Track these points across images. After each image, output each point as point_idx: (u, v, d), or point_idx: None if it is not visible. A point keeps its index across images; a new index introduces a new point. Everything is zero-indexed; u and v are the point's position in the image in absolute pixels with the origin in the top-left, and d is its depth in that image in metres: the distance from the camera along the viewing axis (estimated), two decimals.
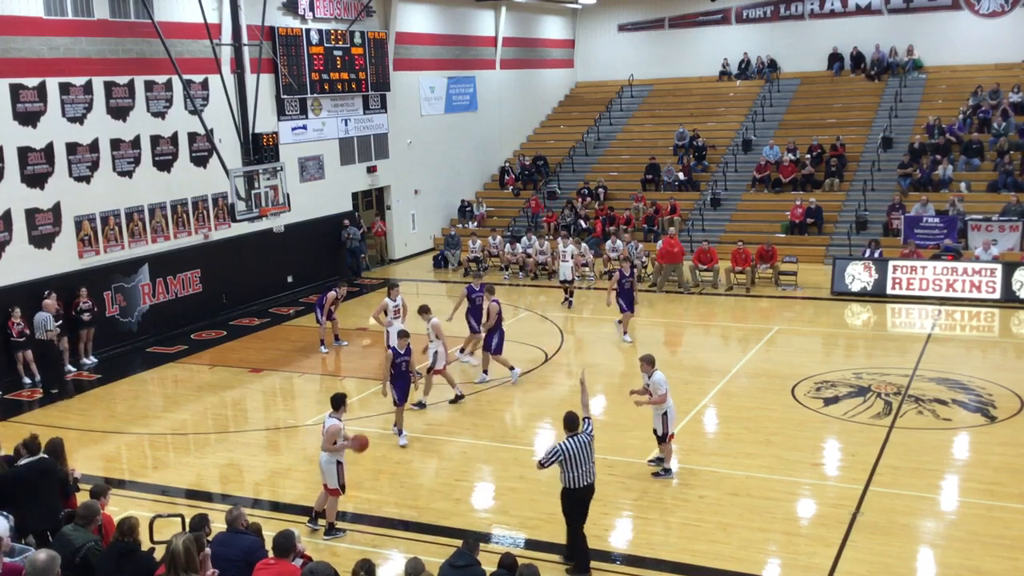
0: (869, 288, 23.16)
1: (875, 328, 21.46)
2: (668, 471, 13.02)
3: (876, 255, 23.72)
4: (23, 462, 9.61)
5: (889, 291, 22.99)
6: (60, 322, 18.83)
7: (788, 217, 28.03)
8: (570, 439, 10.26)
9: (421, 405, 16.03)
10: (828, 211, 28.10)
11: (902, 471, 12.96)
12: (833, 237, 27.38)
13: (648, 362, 12.95)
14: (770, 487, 12.58)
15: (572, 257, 23.60)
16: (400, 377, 14.61)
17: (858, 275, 23.31)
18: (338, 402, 11.51)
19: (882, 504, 11.95)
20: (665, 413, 12.80)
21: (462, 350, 18.50)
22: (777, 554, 10.97)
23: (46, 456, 9.69)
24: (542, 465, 10.46)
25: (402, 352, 14.59)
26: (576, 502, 10.39)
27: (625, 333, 20.19)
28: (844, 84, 34.42)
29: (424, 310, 16.31)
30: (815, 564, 10.58)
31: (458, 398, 16.38)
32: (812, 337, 20.61)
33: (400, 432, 14.71)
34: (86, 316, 19.20)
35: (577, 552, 10.50)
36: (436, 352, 16.08)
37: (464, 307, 18.58)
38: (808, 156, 30.10)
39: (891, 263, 23.22)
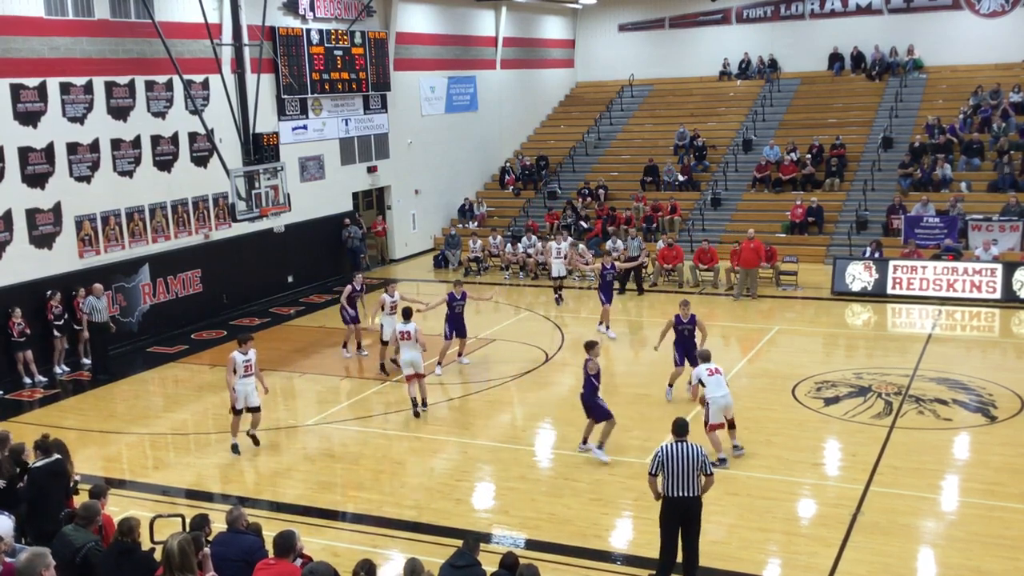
0: (870, 288, 23.15)
1: (876, 328, 21.45)
2: (722, 461, 13.02)
3: (876, 255, 23.71)
4: (38, 463, 9.62)
5: (890, 291, 22.98)
6: (62, 321, 18.87)
7: (788, 217, 28.03)
8: (672, 443, 9.87)
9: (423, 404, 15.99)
10: (828, 211, 28.09)
11: (903, 471, 12.96)
12: (834, 237, 27.38)
13: (700, 357, 13.94)
14: (771, 487, 12.58)
15: (564, 255, 23.52)
16: (455, 320, 17.94)
17: (858, 275, 23.30)
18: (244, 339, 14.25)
19: (883, 504, 11.95)
20: (707, 404, 13.33)
21: (439, 363, 18.11)
22: (777, 554, 10.96)
23: (60, 458, 9.71)
24: (652, 475, 9.96)
25: (458, 297, 17.83)
26: (668, 511, 9.88)
27: (607, 327, 20.15)
28: (844, 84, 34.41)
29: (407, 314, 15.84)
30: (815, 564, 10.58)
31: (416, 412, 15.78)
32: (813, 337, 20.60)
33: (439, 364, 17.75)
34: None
35: (685, 566, 9.96)
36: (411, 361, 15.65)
37: (442, 310, 18.46)
38: (808, 156, 30.09)
39: (891, 263, 23.21)
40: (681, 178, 31.49)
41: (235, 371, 14.13)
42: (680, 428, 10.07)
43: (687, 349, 15.86)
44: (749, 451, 13.71)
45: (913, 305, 22.44)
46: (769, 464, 13.30)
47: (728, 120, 34.49)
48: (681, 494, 9.76)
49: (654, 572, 10.18)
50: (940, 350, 18.87)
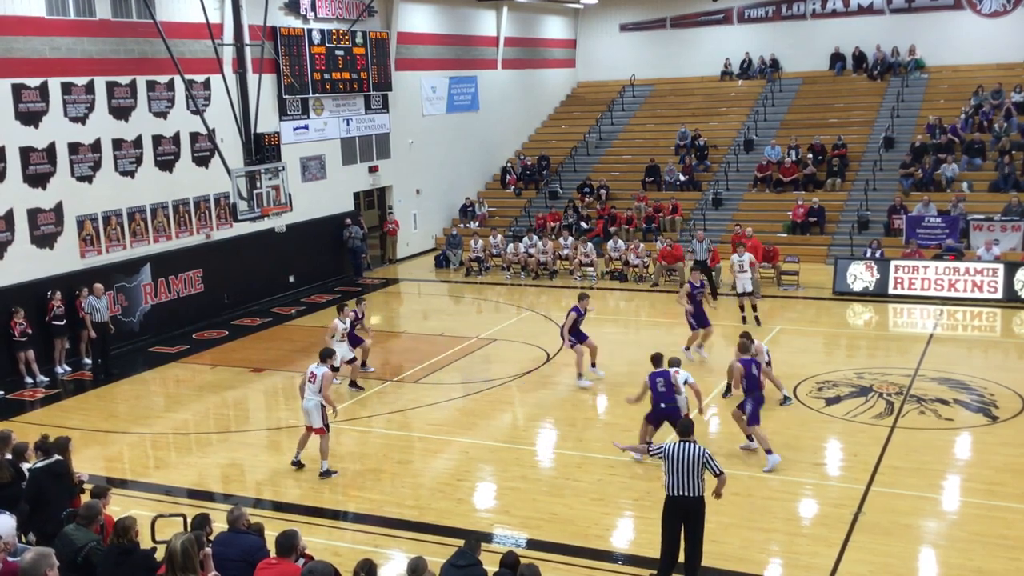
0: (871, 288, 23.15)
1: (877, 328, 21.45)
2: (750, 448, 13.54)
3: (878, 255, 23.71)
4: (38, 464, 9.63)
5: (891, 291, 22.97)
6: (63, 321, 18.88)
7: (790, 217, 28.02)
8: (677, 443, 9.91)
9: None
10: (830, 211, 28.09)
11: (904, 471, 12.96)
12: (835, 237, 27.37)
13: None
14: (772, 487, 12.57)
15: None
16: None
17: (860, 275, 23.29)
18: (326, 354, 13.65)
19: (884, 504, 11.95)
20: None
21: (353, 383, 17.24)
22: (779, 554, 10.97)
23: (60, 458, 9.71)
24: (651, 454, 10.52)
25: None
26: (669, 510, 9.90)
27: (699, 348, 18.39)
28: (846, 84, 34.40)
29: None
30: (817, 564, 10.58)
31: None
32: (814, 337, 20.60)
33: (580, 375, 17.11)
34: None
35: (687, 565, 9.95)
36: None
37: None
38: (810, 156, 30.09)
39: (893, 263, 23.20)
40: (682, 178, 31.48)
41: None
42: (685, 428, 10.10)
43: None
44: (751, 451, 13.71)
45: (914, 305, 22.44)
46: None
47: (729, 120, 34.48)
48: (681, 493, 9.76)
49: (655, 572, 10.18)
50: (941, 350, 18.87)
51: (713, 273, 23.40)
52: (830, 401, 15.82)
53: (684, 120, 34.20)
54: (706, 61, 37.06)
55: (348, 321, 17.30)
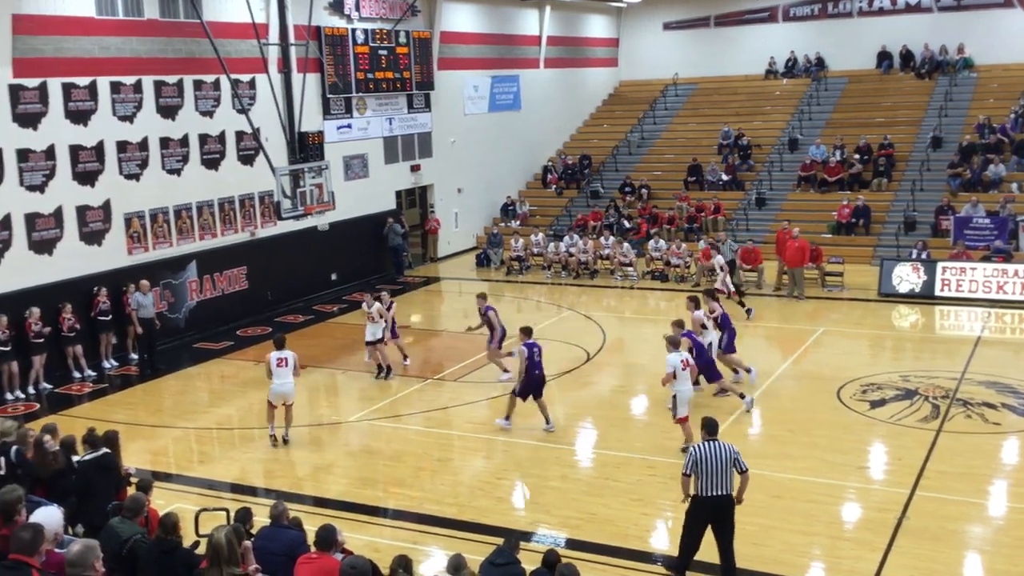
0: (917, 290, 22.82)
1: (923, 330, 21.15)
2: (685, 449, 12.90)
3: (924, 256, 23.38)
4: (86, 457, 9.80)
5: (938, 293, 22.63)
6: (109, 317, 19.18)
7: (835, 217, 27.72)
8: (704, 443, 9.87)
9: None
10: (876, 211, 27.73)
11: (949, 475, 12.77)
12: (881, 238, 27.02)
13: (669, 342, 13.84)
14: (814, 490, 12.45)
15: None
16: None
17: (906, 276, 22.98)
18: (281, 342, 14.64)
19: (929, 509, 11.78)
20: (674, 396, 13.41)
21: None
22: (820, 558, 10.86)
23: (108, 452, 9.88)
24: (686, 475, 9.86)
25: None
26: (699, 510, 9.84)
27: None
28: (893, 83, 33.95)
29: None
30: (859, 569, 10.46)
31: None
32: (859, 339, 20.36)
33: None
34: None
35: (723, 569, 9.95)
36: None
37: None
38: (856, 156, 29.73)
39: (940, 264, 22.86)
40: (725, 177, 31.27)
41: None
42: (711, 427, 10.02)
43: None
44: (792, 453, 13.61)
45: (962, 307, 22.08)
46: (813, 467, 13.16)
47: (773, 119, 34.17)
48: (715, 493, 9.71)
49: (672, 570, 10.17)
50: (989, 353, 18.55)
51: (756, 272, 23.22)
52: (875, 404, 15.62)
53: (727, 119, 33.96)
54: (750, 60, 36.76)
55: (376, 307, 17.93)
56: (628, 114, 37.26)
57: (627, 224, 29.49)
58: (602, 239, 27.67)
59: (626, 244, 26.73)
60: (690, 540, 9.99)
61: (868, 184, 29.19)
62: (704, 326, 16.11)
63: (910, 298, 22.81)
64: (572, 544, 11.19)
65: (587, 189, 32.95)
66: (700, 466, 9.72)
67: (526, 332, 14.93)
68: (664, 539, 11.51)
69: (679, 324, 15.17)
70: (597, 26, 38.33)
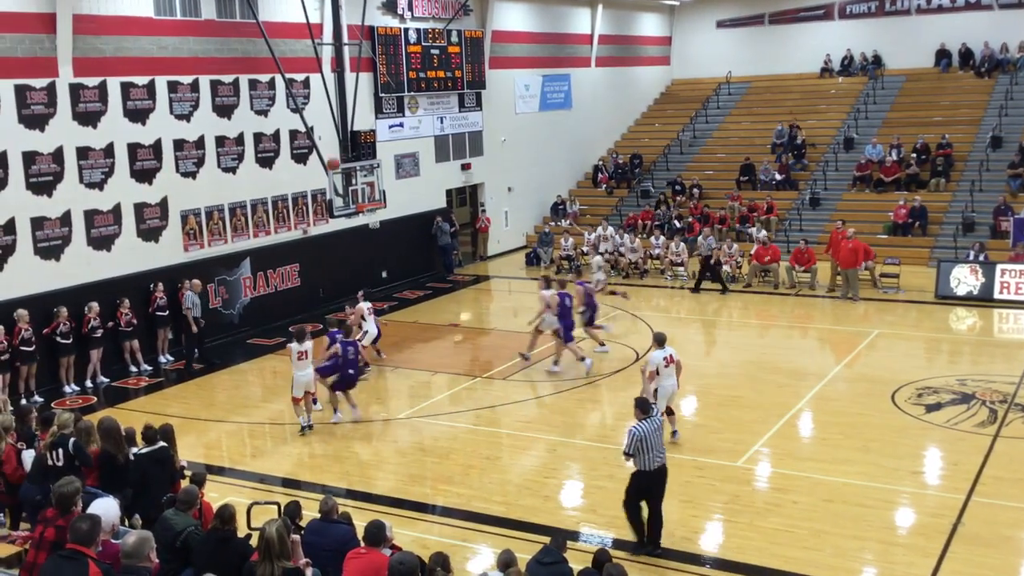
0: (975, 292, 22.38)
1: (981, 333, 20.74)
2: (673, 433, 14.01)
3: (983, 258, 22.92)
4: (143, 450, 10.02)
5: (996, 295, 22.17)
6: (166, 312, 19.50)
7: (891, 218, 27.29)
8: (644, 422, 10.65)
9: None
10: (933, 212, 27.24)
11: (1006, 481, 12.51)
12: (938, 239, 26.54)
13: (655, 340, 14.26)
14: (866, 494, 12.27)
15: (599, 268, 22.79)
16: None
17: (964, 278, 22.54)
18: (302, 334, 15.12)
19: (984, 515, 11.56)
20: (656, 390, 13.70)
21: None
22: (873, 563, 10.71)
23: (164, 445, 10.08)
24: (628, 455, 10.71)
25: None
26: (644, 485, 10.71)
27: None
28: (951, 81, 33.33)
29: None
30: (913, 574, 10.29)
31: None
32: (914, 342, 20.02)
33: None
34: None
35: (655, 529, 10.86)
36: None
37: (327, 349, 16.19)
38: (913, 155, 29.24)
39: (999, 267, 22.39)
40: (778, 177, 30.93)
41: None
42: (644, 406, 10.89)
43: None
44: (845, 457, 13.43)
45: (1021, 311, 21.61)
46: (866, 471, 12.97)
47: (829, 118, 33.72)
48: (655, 466, 10.63)
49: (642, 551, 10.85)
50: None
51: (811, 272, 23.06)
52: (930, 408, 15.36)
53: (781, 118, 33.59)
54: (805, 58, 36.33)
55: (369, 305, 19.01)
56: (680, 113, 37.02)
57: (678, 224, 29.29)
58: (652, 238, 27.53)
59: (681, 244, 26.54)
60: (637, 512, 10.84)
61: (925, 184, 28.69)
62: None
63: (968, 300, 22.37)
64: (619, 544, 11.15)
65: (638, 188, 32.81)
66: (644, 443, 10.53)
67: (345, 331, 16.19)
68: (714, 542, 11.42)
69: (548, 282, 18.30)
70: (649, 24, 38.14)
